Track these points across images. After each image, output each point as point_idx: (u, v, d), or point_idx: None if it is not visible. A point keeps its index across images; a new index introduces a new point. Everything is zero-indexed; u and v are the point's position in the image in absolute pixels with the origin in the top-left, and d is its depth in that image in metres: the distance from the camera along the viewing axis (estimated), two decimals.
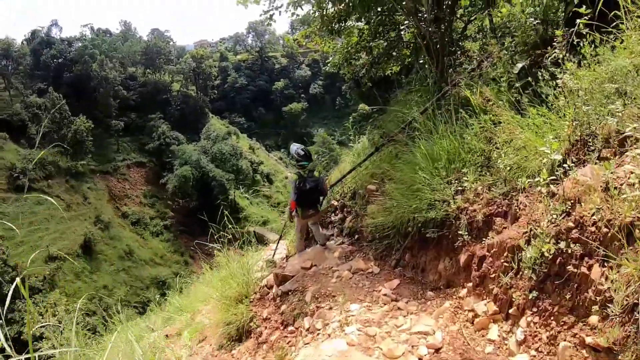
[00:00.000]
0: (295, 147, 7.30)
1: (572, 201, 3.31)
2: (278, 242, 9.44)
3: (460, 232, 4.70)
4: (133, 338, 4.76)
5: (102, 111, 78.78)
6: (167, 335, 8.75)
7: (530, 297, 3.50)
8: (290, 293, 6.22)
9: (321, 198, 7.30)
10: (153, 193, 74.74)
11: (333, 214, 8.90)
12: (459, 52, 7.41)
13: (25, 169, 59.72)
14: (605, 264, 2.85)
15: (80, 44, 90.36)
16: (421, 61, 7.88)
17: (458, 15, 8.32)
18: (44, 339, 6.91)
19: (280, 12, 8.52)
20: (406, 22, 8.52)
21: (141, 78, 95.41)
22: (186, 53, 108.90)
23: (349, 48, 9.65)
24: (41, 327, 6.87)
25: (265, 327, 6.13)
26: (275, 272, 6.89)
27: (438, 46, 6.87)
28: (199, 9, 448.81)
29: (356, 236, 7.51)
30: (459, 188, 4.99)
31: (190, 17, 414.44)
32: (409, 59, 9.40)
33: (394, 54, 9.38)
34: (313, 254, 7.27)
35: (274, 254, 8.70)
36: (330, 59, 10.88)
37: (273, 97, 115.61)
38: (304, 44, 10.72)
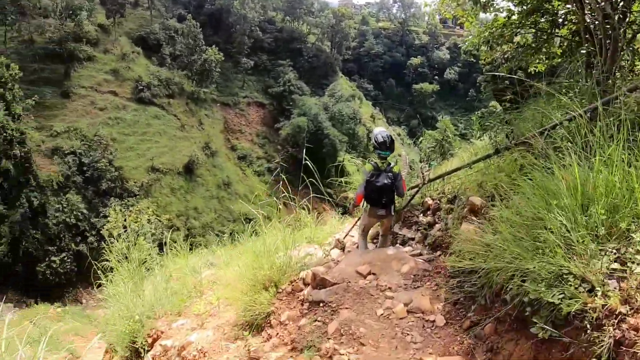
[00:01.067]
0: (377, 131, 6.39)
1: None
2: (355, 224, 8.23)
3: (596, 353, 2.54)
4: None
5: (235, 47, 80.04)
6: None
7: None
8: (320, 305, 5.12)
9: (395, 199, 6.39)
10: (265, 135, 74.74)
11: (422, 214, 7.45)
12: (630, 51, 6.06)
13: (150, 84, 61.66)
14: None
15: None
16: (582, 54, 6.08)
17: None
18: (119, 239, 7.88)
19: None
20: (565, 10, 6.81)
21: (279, 23, 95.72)
22: (328, 8, 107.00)
23: (493, 29, 7.85)
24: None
25: (275, 335, 5.16)
26: (314, 271, 5.70)
27: (608, 41, 5.34)
28: None
29: (438, 252, 6.16)
30: (618, 266, 2.76)
31: None
32: (559, 59, 7.41)
33: (543, 49, 7.56)
34: (379, 257, 5.99)
35: (347, 234, 8.08)
36: (470, 37, 9.09)
37: (406, 72, 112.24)
38: (441, 13, 9.09)
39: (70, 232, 41.31)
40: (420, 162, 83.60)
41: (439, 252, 6.08)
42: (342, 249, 7.45)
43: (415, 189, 7.22)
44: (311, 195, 6.95)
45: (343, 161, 68.14)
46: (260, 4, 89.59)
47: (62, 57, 55.87)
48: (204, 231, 47.74)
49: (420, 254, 6.35)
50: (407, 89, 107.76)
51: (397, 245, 7.18)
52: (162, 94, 62.62)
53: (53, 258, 38.85)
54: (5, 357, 4.31)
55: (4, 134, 37.85)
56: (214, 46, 70.83)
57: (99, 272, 8.02)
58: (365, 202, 6.29)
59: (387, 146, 6.12)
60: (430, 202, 7.33)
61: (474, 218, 5.19)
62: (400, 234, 7.48)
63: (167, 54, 71.72)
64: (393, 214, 6.40)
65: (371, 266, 5.64)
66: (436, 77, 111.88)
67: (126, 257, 7.99)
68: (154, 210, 38.76)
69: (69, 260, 38.99)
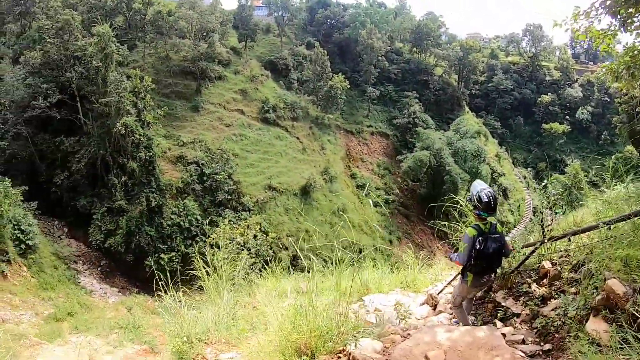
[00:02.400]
0: (479, 187, 5.27)
1: None
2: (450, 283, 7.17)
3: None
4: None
5: (361, 76, 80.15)
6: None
7: None
8: None
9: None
10: (386, 166, 72.88)
11: (536, 283, 5.83)
12: None
13: (276, 106, 63.07)
14: None
15: (354, 10, 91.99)
16: None
17: None
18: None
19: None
20: None
21: (406, 55, 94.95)
22: (456, 41, 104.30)
23: (636, 52, 6.37)
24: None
25: None
26: (360, 356, 4.35)
27: None
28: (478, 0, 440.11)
29: (548, 346, 4.65)
30: None
31: (468, 8, 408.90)
32: None
33: None
34: (462, 340, 4.56)
35: (442, 290, 7.02)
36: (607, 62, 7.86)
37: (535, 110, 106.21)
38: (573, 34, 7.22)
39: (182, 235, 42.64)
40: (543, 209, 77.35)
41: (548, 346, 4.64)
42: (434, 306, 6.54)
43: (532, 248, 5.99)
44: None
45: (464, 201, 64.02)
46: (387, 35, 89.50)
47: (195, 74, 58.81)
48: (311, 254, 46.11)
49: (524, 341, 4.87)
50: (536, 129, 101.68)
51: (495, 321, 5.67)
52: (286, 117, 63.54)
53: (162, 255, 40.60)
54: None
55: (133, 137, 41.02)
56: (340, 74, 71.10)
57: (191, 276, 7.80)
58: (468, 273, 5.35)
59: (491, 207, 5.13)
60: (548, 266, 5.86)
61: (608, 313, 4.07)
62: (503, 306, 5.86)
63: (294, 79, 73.75)
64: (495, 277, 5.59)
65: (449, 353, 4.32)
66: (567, 116, 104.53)
67: (215, 269, 7.51)
68: (265, 227, 38.62)
69: (176, 260, 40.01)
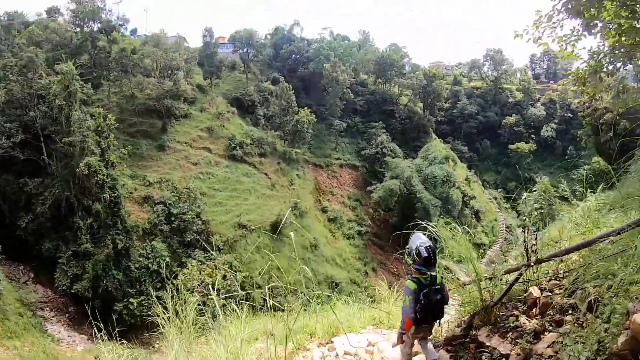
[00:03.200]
0: (418, 242, 4.98)
1: None
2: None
3: None
4: None
5: (327, 109, 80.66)
6: None
7: None
8: None
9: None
10: (357, 197, 72.84)
11: (525, 314, 5.10)
12: None
13: (243, 142, 62.78)
14: None
15: (317, 45, 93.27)
16: None
17: None
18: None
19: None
20: None
21: (371, 86, 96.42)
22: (420, 70, 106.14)
23: (602, 53, 6.77)
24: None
25: None
26: None
27: None
28: (438, 30, 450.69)
29: None
30: None
31: (428, 39, 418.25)
32: None
33: None
34: None
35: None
36: (573, 70, 8.11)
37: (500, 132, 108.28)
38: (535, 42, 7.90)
39: (151, 278, 41.73)
40: (524, 228, 78.51)
41: None
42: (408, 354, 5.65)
43: (516, 273, 5.21)
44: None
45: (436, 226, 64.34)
46: (351, 67, 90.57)
47: (160, 113, 58.50)
48: (285, 292, 45.53)
49: None
50: (503, 150, 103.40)
51: None
52: (254, 153, 63.24)
53: (131, 300, 39.70)
54: None
55: (96, 178, 40.35)
56: (306, 108, 71.63)
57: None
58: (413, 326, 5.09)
59: (431, 262, 4.88)
60: (537, 294, 5.05)
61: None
62: (488, 346, 4.96)
63: (260, 115, 73.94)
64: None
65: None
66: (532, 135, 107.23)
67: (177, 314, 6.79)
68: (237, 266, 37.90)
69: (146, 304, 38.86)
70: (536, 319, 4.80)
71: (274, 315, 11.36)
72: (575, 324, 4.20)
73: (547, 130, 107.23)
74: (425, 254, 4.87)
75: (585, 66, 7.14)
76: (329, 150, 77.79)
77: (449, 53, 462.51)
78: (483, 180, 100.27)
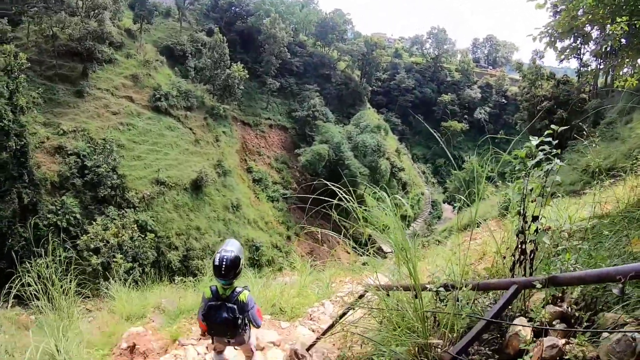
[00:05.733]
0: (220, 248, 4.73)
1: None
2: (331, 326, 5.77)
3: None
4: None
5: (262, 67, 78.48)
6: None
7: None
8: None
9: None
10: (284, 159, 72.21)
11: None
12: None
13: (169, 94, 59.69)
14: None
15: None
16: None
17: None
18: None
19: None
20: None
21: (310, 48, 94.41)
22: (361, 37, 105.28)
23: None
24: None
25: None
26: None
27: None
28: (385, 2, 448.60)
29: None
30: None
31: (375, 10, 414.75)
32: None
33: None
34: None
35: (314, 343, 5.73)
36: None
37: (435, 109, 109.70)
38: None
39: (60, 236, 39.24)
40: (444, 202, 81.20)
41: None
42: None
43: (511, 289, 3.28)
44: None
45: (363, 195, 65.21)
46: (292, 27, 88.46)
47: (82, 56, 54.17)
48: (203, 254, 45.16)
49: None
50: (436, 126, 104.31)
51: None
52: (179, 106, 60.26)
53: (38, 261, 36.68)
54: None
55: (1, 124, 36.31)
56: (239, 62, 69.15)
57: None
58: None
59: (221, 273, 4.59)
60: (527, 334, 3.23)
61: None
62: None
63: (191, 67, 70.80)
64: (247, 339, 5.06)
65: None
66: (466, 116, 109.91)
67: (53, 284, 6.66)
68: (152, 225, 36.64)
69: (54, 265, 36.44)
70: (551, 350, 2.85)
71: (184, 281, 10.84)
72: None
73: (480, 112, 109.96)
74: (217, 263, 4.58)
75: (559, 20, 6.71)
76: (260, 109, 76.04)
77: (392, 26, 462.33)
78: (413, 154, 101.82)
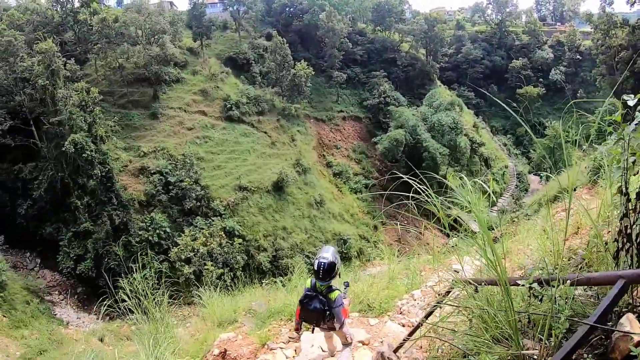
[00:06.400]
0: (319, 255, 5.51)
1: None
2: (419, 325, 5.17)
3: None
4: None
5: (326, 61, 77.96)
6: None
7: None
8: None
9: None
10: (362, 150, 70.78)
11: None
12: None
13: (239, 102, 60.31)
14: None
15: None
16: None
17: None
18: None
19: None
20: None
21: (370, 34, 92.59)
22: (420, 15, 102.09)
23: None
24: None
25: None
26: None
27: None
28: None
29: None
30: None
31: None
32: None
33: None
34: None
35: (402, 343, 5.44)
36: None
37: (508, 77, 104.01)
38: None
39: (152, 250, 40.64)
40: (530, 173, 76.76)
41: None
42: None
43: (618, 284, 2.47)
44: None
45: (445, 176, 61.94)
46: (348, 17, 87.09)
47: (150, 80, 56.22)
48: (292, 252, 45.55)
49: None
50: (511, 95, 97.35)
51: None
52: (251, 112, 60.85)
53: (135, 275, 38.73)
54: None
55: (84, 155, 38.80)
56: (302, 61, 68.77)
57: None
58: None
59: (319, 276, 5.34)
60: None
61: None
62: None
63: (256, 73, 71.33)
64: (339, 326, 5.50)
65: None
66: (541, 79, 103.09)
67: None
68: (239, 230, 36.86)
69: (145, 279, 37.81)
70: None
71: (274, 282, 10.31)
72: None
73: (556, 73, 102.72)
74: (315, 269, 5.36)
75: None
76: (330, 103, 75.31)
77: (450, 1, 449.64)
78: (492, 126, 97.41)
